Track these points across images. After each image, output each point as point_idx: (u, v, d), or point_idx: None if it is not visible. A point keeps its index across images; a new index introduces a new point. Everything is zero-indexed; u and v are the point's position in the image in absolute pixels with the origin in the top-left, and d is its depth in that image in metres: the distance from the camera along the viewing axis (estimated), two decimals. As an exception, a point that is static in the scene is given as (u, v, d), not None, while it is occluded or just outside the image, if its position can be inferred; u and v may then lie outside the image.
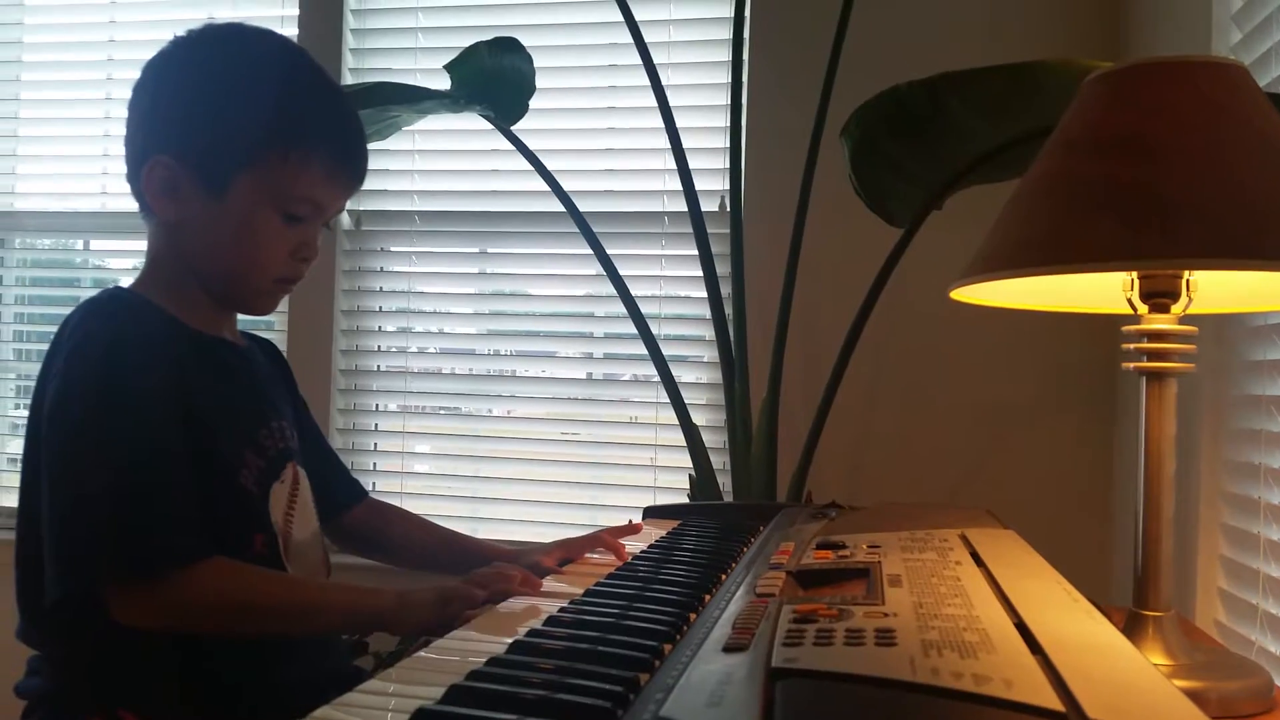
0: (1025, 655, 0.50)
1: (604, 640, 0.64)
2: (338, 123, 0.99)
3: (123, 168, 0.97)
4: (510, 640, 0.65)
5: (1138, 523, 0.88)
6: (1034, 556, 0.82)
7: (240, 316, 1.06)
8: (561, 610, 0.75)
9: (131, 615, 0.83)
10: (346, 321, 2.22)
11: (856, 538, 0.89)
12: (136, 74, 0.97)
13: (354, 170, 0.99)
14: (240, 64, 0.96)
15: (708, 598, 0.77)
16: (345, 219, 2.20)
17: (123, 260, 2.45)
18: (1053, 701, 0.44)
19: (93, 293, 0.95)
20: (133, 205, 0.98)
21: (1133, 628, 0.87)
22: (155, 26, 2.32)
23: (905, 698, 0.45)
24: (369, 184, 2.24)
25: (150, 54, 0.97)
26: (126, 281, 1.00)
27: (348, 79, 2.19)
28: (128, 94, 0.97)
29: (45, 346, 0.92)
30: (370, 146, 1.93)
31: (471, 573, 0.87)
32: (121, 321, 0.91)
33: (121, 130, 0.97)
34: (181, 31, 0.96)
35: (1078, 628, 0.58)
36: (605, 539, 1.04)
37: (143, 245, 1.00)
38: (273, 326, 2.24)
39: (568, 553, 1.04)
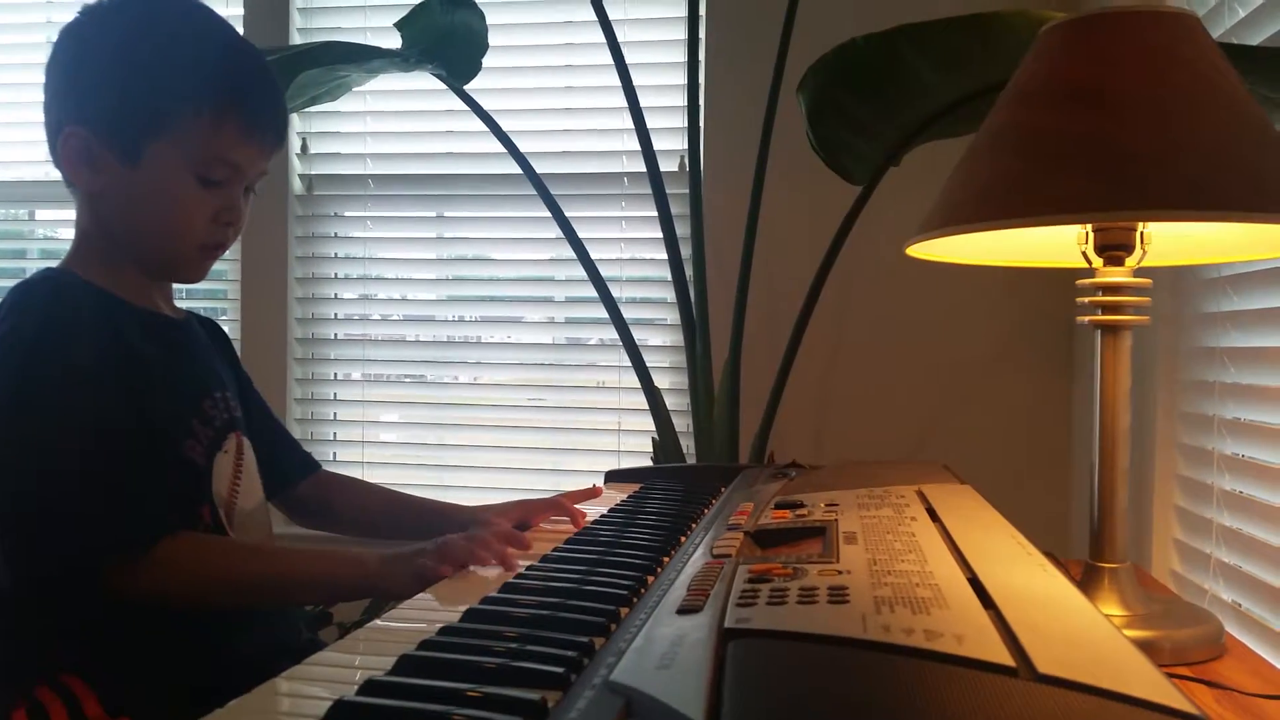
0: (977, 610, 0.50)
1: (560, 606, 0.63)
2: (251, 83, 0.97)
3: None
4: (465, 608, 0.64)
5: (1093, 475, 0.88)
6: (989, 510, 0.82)
7: (195, 286, 1.05)
8: (518, 576, 0.74)
9: (122, 589, 0.83)
10: (301, 289, 2.18)
11: (815, 496, 0.89)
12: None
13: (271, 130, 0.97)
14: (149, 29, 0.94)
15: (666, 560, 0.77)
16: (297, 183, 2.16)
17: (73, 230, 2.39)
18: (1004, 656, 0.43)
19: (40, 264, 0.93)
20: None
21: (1089, 579, 0.88)
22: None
23: (856, 655, 0.44)
24: (320, 147, 2.22)
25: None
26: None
27: (295, 38, 2.13)
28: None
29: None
30: (320, 108, 1.93)
31: (446, 539, 0.86)
32: (54, 302, 0.89)
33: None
34: (92, 0, 0.95)
35: (1031, 581, 0.58)
36: (564, 503, 1.04)
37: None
38: (225, 296, 2.20)
39: (525, 514, 1.03)
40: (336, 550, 0.90)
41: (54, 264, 0.97)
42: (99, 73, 0.93)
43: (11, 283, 0.92)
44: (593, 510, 1.06)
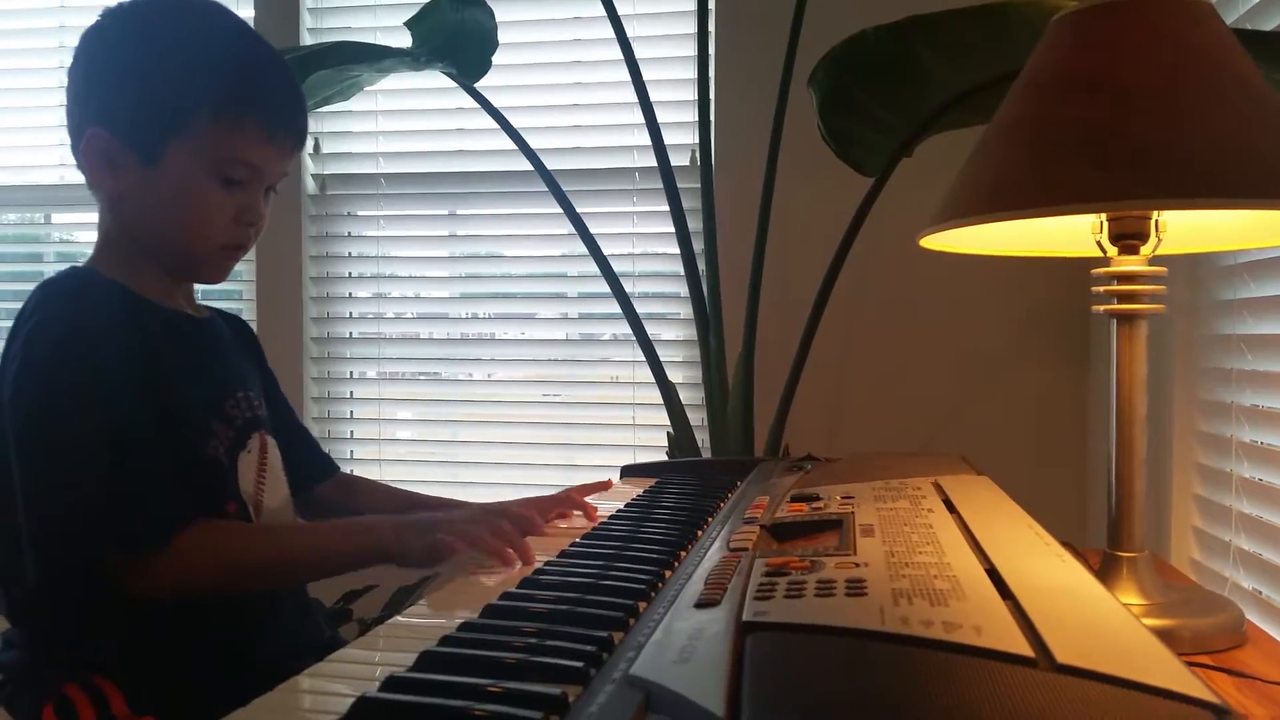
0: (996, 601, 0.50)
1: (579, 601, 0.63)
2: (270, 84, 0.97)
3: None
4: (484, 604, 0.64)
5: (1110, 464, 0.88)
6: (1007, 501, 0.82)
7: (210, 287, 1.05)
8: (537, 572, 0.75)
9: (144, 588, 0.83)
10: (316, 289, 2.19)
11: (831, 489, 0.89)
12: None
13: (290, 132, 0.98)
14: (166, 30, 0.95)
15: (683, 554, 0.77)
16: (310, 183, 2.17)
17: (89, 233, 2.41)
18: (1023, 647, 0.43)
19: (56, 268, 0.94)
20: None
21: (1107, 569, 0.87)
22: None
23: (875, 647, 0.45)
24: (332, 146, 2.23)
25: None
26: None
27: (306, 39, 2.14)
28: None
29: (8, 323, 0.91)
30: (332, 108, 1.93)
31: (454, 518, 0.87)
32: (80, 301, 0.90)
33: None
34: (113, 3, 0.95)
35: (1049, 572, 0.58)
36: (574, 497, 1.04)
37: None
38: (240, 296, 2.22)
39: (536, 511, 1.03)
40: (350, 521, 0.91)
41: (77, 265, 0.98)
42: (118, 74, 0.93)
43: (28, 286, 0.93)
44: (608, 505, 1.06)
